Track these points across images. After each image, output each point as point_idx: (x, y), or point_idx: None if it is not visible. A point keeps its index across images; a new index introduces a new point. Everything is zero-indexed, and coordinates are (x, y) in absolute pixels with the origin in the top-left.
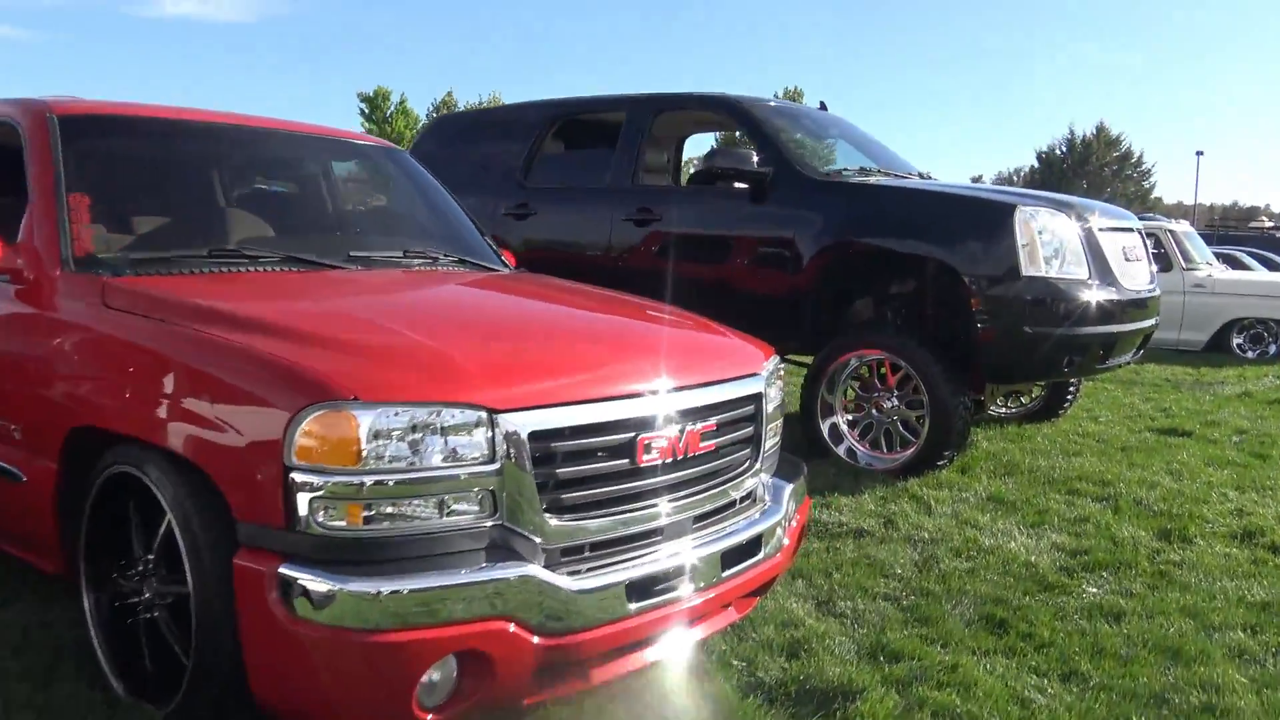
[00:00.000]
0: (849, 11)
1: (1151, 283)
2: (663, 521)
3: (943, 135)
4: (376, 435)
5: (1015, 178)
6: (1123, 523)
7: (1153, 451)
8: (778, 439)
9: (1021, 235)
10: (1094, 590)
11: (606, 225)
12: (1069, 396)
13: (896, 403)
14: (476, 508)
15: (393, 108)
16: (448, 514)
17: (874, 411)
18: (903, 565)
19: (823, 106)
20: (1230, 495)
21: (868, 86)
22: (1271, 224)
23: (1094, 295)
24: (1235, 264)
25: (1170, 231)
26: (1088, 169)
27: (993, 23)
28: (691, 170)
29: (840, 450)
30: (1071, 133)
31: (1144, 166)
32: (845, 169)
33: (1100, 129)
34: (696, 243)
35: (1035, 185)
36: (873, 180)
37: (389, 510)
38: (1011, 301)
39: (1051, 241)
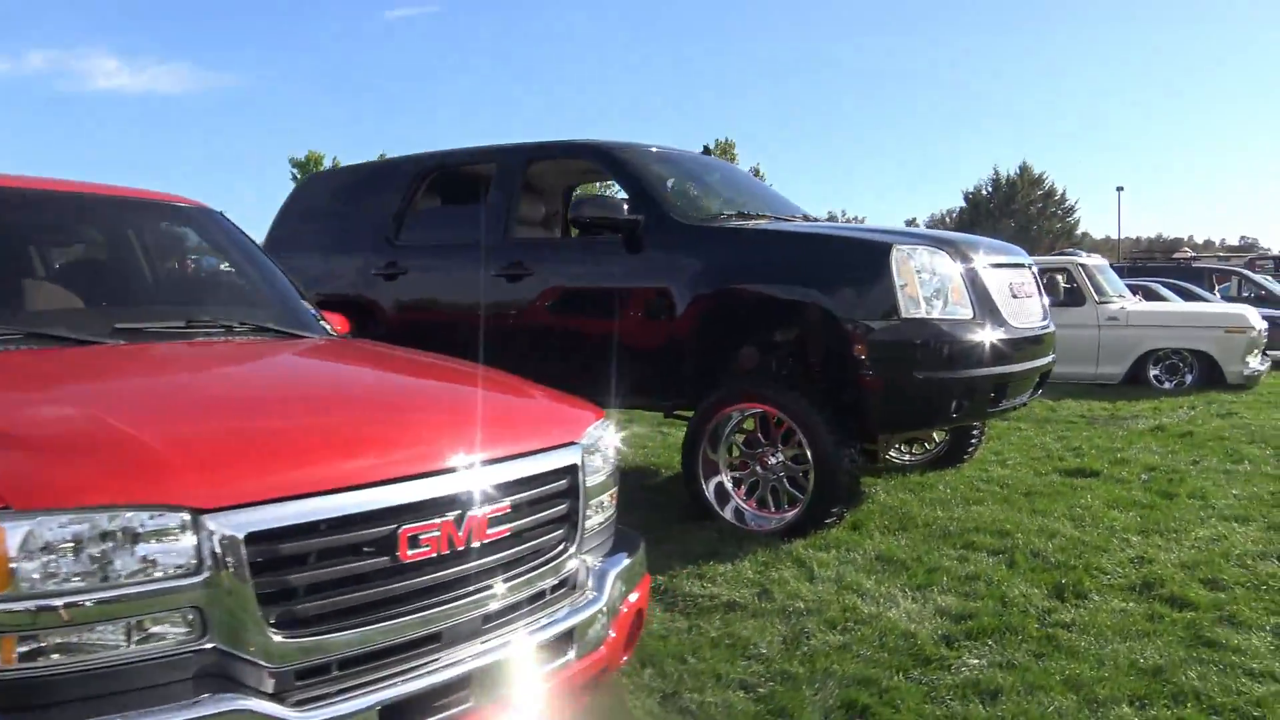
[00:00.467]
0: (783, 66)
1: (1044, 319)
2: (441, 625)
3: (880, 181)
4: (34, 549)
5: (947, 219)
6: (1016, 579)
7: (1057, 495)
8: (607, 514)
9: (899, 276)
10: (974, 662)
11: (477, 282)
12: (973, 440)
13: (781, 458)
14: (181, 630)
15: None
16: (140, 640)
17: (759, 468)
18: (769, 643)
19: (706, 151)
20: (1133, 541)
21: (807, 138)
22: (1192, 255)
23: (980, 335)
24: (1151, 296)
25: (1082, 265)
26: (1013, 208)
27: (921, 72)
28: None
29: (726, 512)
30: (996, 173)
31: (1067, 203)
32: (723, 214)
33: (1024, 168)
34: (572, 297)
35: (964, 226)
36: (750, 225)
37: (57, 641)
38: (892, 346)
39: (931, 281)
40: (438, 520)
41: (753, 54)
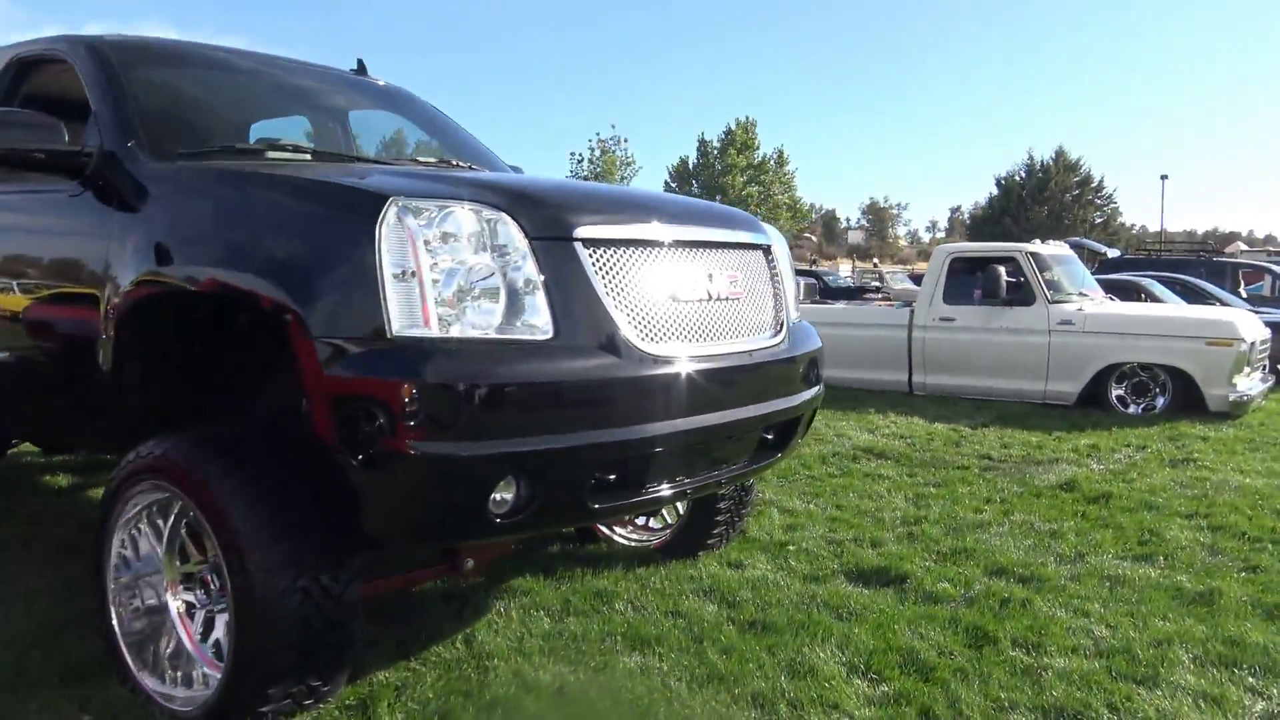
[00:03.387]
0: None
1: (776, 334)
2: None
3: (928, 168)
4: None
5: (977, 208)
6: None
7: (803, 632)
8: None
9: (392, 256)
10: None
11: None
12: (723, 517)
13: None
14: None
15: None
16: None
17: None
18: None
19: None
20: None
21: (846, 124)
22: (1246, 249)
23: (572, 369)
24: (1136, 295)
25: (1031, 255)
26: (1046, 195)
27: (962, 55)
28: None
29: (150, 685)
30: (1030, 158)
31: (1105, 191)
32: (235, 145)
33: (1059, 153)
34: None
35: (994, 214)
36: (245, 166)
37: None
38: (368, 388)
39: (465, 268)
40: None
41: (791, 36)
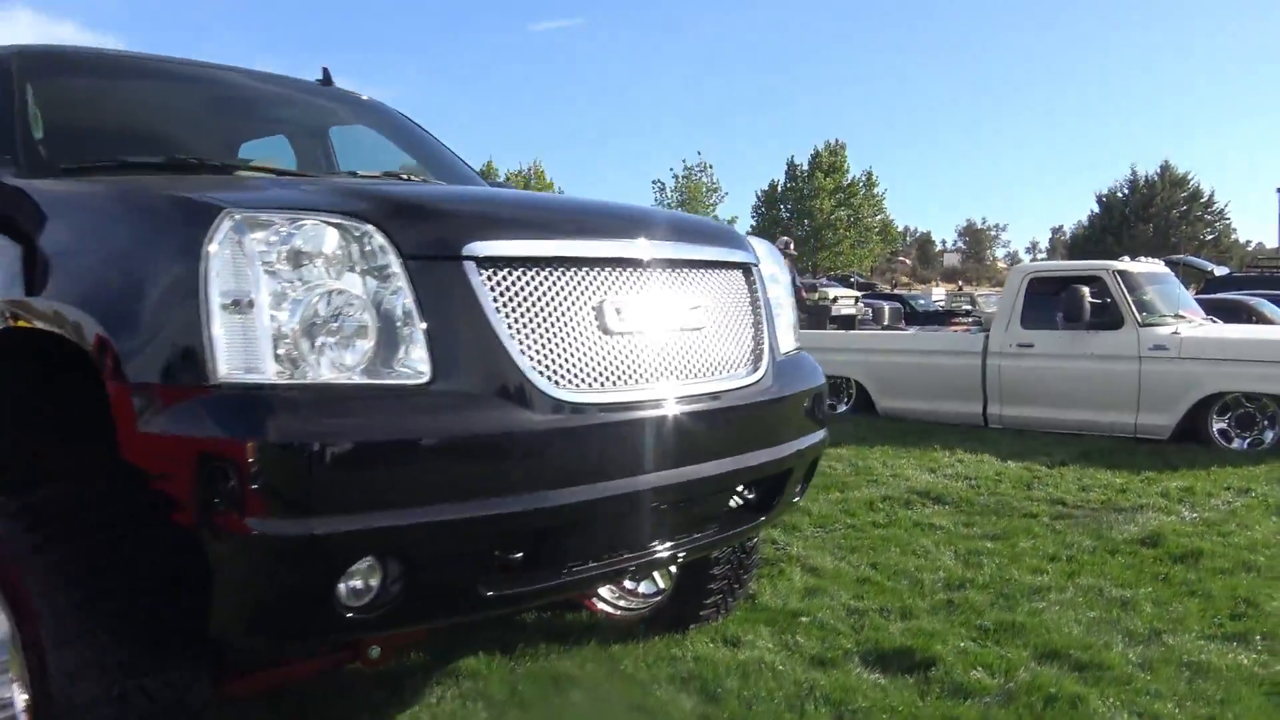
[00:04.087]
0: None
1: (755, 370)
2: None
3: (1028, 187)
4: None
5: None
6: None
7: None
8: None
9: (222, 281)
10: None
11: None
12: (718, 585)
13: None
14: None
15: None
16: None
17: None
18: None
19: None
20: None
21: (940, 144)
22: None
23: (459, 421)
24: (1243, 316)
25: (1119, 273)
26: (1151, 211)
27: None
28: None
29: None
30: (1134, 173)
31: (1215, 206)
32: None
33: (1165, 167)
34: None
35: (1095, 233)
36: (103, 181)
37: None
38: (195, 447)
39: (317, 294)
40: None
41: (882, 55)
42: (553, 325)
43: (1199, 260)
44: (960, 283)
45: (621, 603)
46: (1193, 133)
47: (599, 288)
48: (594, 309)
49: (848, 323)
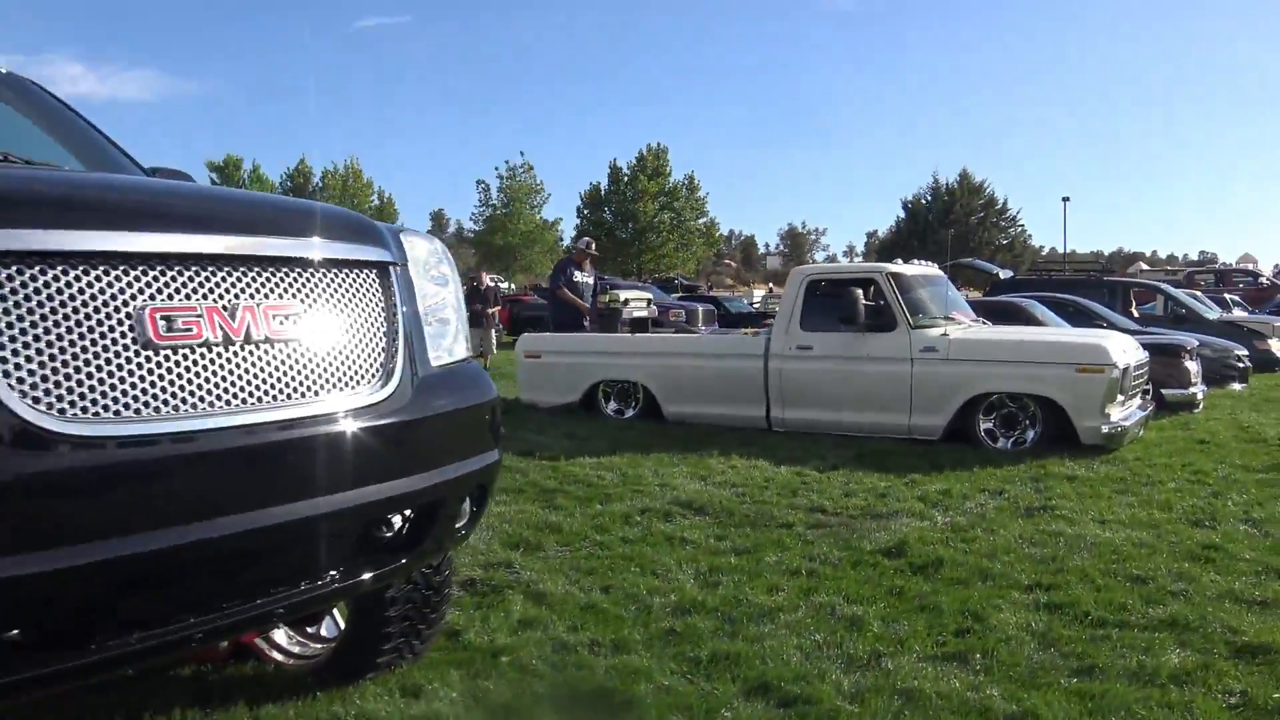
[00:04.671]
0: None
1: (383, 387)
2: None
3: (847, 193)
4: None
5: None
6: None
7: None
8: None
9: None
10: None
11: None
12: (396, 627)
13: None
14: None
15: (245, 175)
16: None
17: None
18: None
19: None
20: None
21: (758, 151)
22: (1147, 269)
23: None
24: (1017, 318)
25: (893, 276)
26: (952, 217)
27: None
28: None
29: None
30: (935, 180)
31: (1009, 213)
32: None
33: (963, 175)
34: None
35: (902, 237)
36: None
37: None
38: None
39: None
40: None
41: (705, 65)
42: (63, 339)
43: (985, 263)
44: (771, 285)
45: (296, 649)
46: (993, 143)
47: (140, 292)
48: (129, 319)
49: (641, 326)
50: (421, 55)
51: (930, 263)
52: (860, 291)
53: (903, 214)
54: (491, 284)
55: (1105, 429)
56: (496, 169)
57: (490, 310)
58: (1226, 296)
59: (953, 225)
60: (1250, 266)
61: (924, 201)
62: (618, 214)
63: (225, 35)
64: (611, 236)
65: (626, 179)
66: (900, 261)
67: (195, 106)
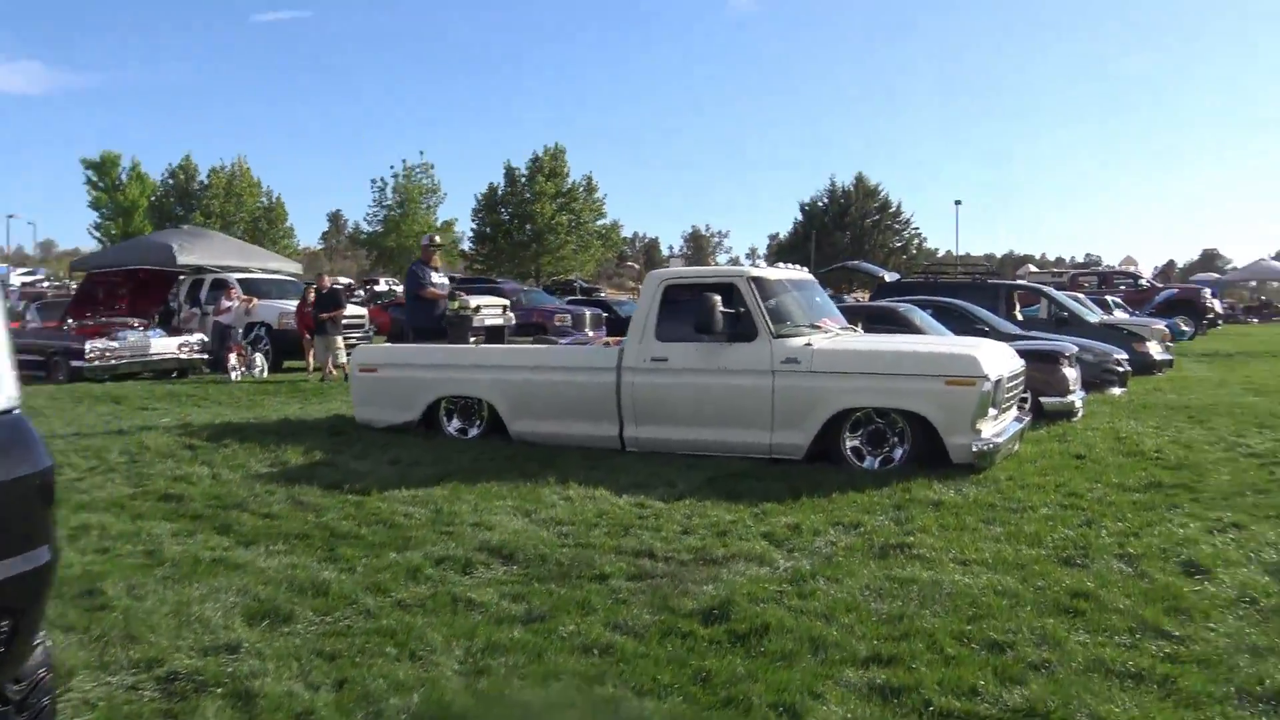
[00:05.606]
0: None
1: None
2: None
3: (749, 196)
4: None
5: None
6: None
7: None
8: None
9: None
10: None
11: None
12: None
13: None
14: None
15: (124, 172)
16: None
17: None
18: None
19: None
20: None
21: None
22: (1036, 271)
23: None
24: (893, 324)
25: (754, 280)
26: (847, 220)
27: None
28: None
29: None
30: (832, 183)
31: (903, 216)
32: None
33: (859, 179)
34: None
35: (799, 241)
36: None
37: None
38: None
39: None
40: None
41: (607, 63)
42: None
43: (870, 266)
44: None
45: None
46: (889, 148)
47: None
48: None
49: (495, 335)
50: (323, 51)
51: (799, 266)
52: (718, 298)
53: (800, 216)
54: (335, 286)
55: (976, 446)
56: (393, 168)
57: (326, 316)
58: (1108, 298)
59: (848, 228)
60: (1131, 269)
61: (820, 204)
62: (514, 215)
63: (117, 27)
64: (509, 238)
65: (524, 179)
66: (763, 264)
67: (83, 100)
